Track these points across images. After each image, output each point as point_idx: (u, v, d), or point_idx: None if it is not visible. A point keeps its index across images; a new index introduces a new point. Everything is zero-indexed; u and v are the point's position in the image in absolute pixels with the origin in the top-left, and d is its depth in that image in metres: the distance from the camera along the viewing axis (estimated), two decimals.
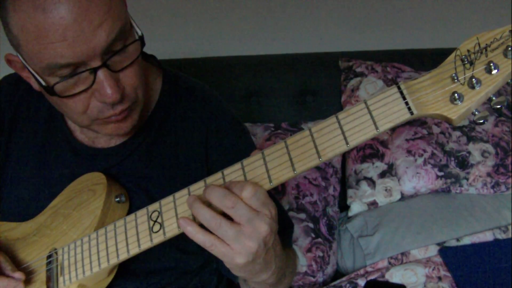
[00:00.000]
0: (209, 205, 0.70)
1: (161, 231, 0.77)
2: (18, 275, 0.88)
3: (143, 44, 0.82)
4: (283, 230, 1.05)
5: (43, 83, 0.79)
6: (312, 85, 1.91)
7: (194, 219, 0.73)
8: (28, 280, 0.91)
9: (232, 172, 0.73)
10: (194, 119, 1.00)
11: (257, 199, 0.69)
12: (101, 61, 0.77)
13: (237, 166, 0.73)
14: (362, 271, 1.55)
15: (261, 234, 0.69)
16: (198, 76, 1.13)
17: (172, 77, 1.04)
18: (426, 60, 1.91)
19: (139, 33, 0.82)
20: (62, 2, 0.71)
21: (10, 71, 1.02)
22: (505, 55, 0.59)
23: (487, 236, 1.55)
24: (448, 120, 0.63)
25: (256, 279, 0.79)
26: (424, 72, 0.65)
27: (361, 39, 2.07)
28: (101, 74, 0.78)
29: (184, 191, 0.76)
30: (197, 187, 0.75)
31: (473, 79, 0.61)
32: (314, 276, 1.58)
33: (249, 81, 1.90)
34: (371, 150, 1.74)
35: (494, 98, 0.61)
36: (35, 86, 0.87)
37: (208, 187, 0.71)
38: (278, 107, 1.91)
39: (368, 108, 0.66)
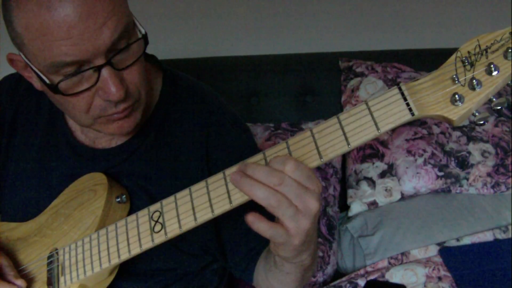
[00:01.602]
0: None
1: (163, 231, 0.77)
2: (20, 282, 0.89)
3: (146, 42, 0.83)
4: None
5: (47, 81, 0.79)
6: (312, 85, 1.92)
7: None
8: (29, 280, 0.92)
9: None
10: (194, 119, 1.00)
11: (301, 173, 0.66)
12: (105, 59, 0.77)
13: (238, 166, 0.73)
14: (362, 271, 1.55)
15: (312, 211, 0.67)
16: (198, 76, 1.13)
17: (172, 77, 1.04)
18: (426, 60, 1.91)
19: (142, 31, 0.82)
20: (67, 0, 0.71)
21: (10, 71, 1.03)
22: (506, 57, 0.60)
23: (487, 236, 1.55)
24: (448, 121, 0.63)
25: (297, 259, 0.77)
26: (424, 72, 0.65)
27: (361, 39, 2.08)
28: (105, 72, 0.78)
29: (185, 192, 0.76)
30: (198, 188, 0.75)
31: (474, 81, 0.61)
32: (314, 276, 1.58)
33: (249, 81, 1.91)
34: (371, 150, 1.74)
35: (494, 99, 0.61)
36: (37, 85, 0.87)
37: (249, 166, 0.67)
38: (278, 107, 1.91)
39: (369, 109, 0.66)
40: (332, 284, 1.54)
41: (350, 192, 1.75)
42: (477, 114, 0.62)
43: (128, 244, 0.81)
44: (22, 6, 0.73)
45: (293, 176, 0.65)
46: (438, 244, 1.55)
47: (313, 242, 0.76)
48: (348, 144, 0.67)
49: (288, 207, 0.65)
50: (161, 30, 1.97)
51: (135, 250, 0.80)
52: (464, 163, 1.68)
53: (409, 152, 1.70)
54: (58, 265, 0.90)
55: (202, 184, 0.75)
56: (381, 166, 1.72)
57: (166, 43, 1.93)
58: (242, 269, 1.00)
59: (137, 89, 0.85)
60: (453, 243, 1.55)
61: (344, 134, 0.67)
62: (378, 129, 0.65)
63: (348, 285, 1.49)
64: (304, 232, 0.67)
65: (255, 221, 0.67)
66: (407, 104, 0.64)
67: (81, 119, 0.86)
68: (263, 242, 0.95)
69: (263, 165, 0.67)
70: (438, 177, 1.67)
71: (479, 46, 0.61)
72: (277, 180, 0.65)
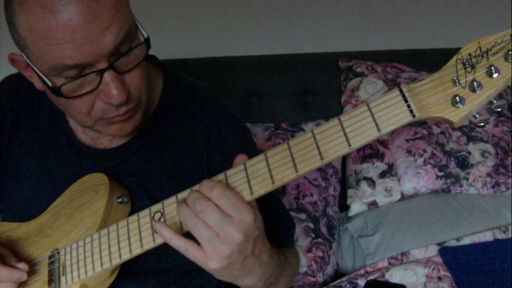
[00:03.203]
0: None
1: None
2: (22, 265, 0.89)
3: (148, 46, 0.83)
4: (283, 230, 1.06)
5: (50, 84, 0.79)
6: (312, 85, 1.92)
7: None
8: (30, 280, 0.92)
9: (235, 173, 0.73)
10: (195, 119, 1.01)
11: (226, 201, 0.69)
12: (108, 62, 0.77)
13: (240, 167, 0.73)
14: (362, 271, 1.55)
15: (234, 241, 0.69)
16: (198, 76, 1.13)
17: (173, 78, 1.04)
18: (426, 60, 1.91)
19: (145, 35, 0.82)
20: (70, 3, 0.71)
21: (11, 72, 1.03)
22: (506, 59, 0.60)
23: (487, 236, 1.55)
24: (449, 123, 0.64)
25: (240, 283, 0.79)
26: (424, 72, 0.66)
27: (361, 39, 2.08)
28: (107, 75, 0.78)
29: (187, 192, 0.76)
30: None
31: (474, 83, 0.61)
32: (314, 276, 1.58)
33: (249, 81, 1.91)
34: (371, 150, 1.74)
35: (495, 101, 0.61)
36: (38, 85, 0.87)
37: (190, 191, 0.72)
38: (278, 107, 1.92)
39: (370, 110, 0.66)
40: (332, 284, 1.54)
41: (350, 192, 1.75)
42: (477, 116, 0.62)
43: (130, 244, 0.81)
44: (26, 8, 0.73)
45: (218, 202, 0.69)
46: (438, 244, 1.56)
47: (255, 269, 0.77)
48: (349, 145, 0.67)
49: (204, 230, 0.69)
50: (161, 30, 1.97)
51: (137, 250, 0.80)
52: (464, 163, 1.68)
53: (409, 152, 1.70)
54: (59, 265, 0.90)
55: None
56: (381, 166, 1.72)
57: (166, 43, 1.93)
58: None
59: (138, 92, 0.85)
60: (453, 243, 1.55)
61: (345, 135, 0.67)
62: (379, 130, 0.66)
63: (348, 285, 1.49)
64: (223, 259, 0.70)
65: (159, 228, 0.72)
66: (408, 106, 0.64)
67: (82, 120, 0.86)
68: None
69: (197, 192, 0.71)
70: (438, 177, 1.67)
71: (480, 48, 0.61)
72: (199, 207, 0.69)
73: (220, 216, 0.69)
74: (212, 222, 0.69)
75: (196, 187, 0.75)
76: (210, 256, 0.70)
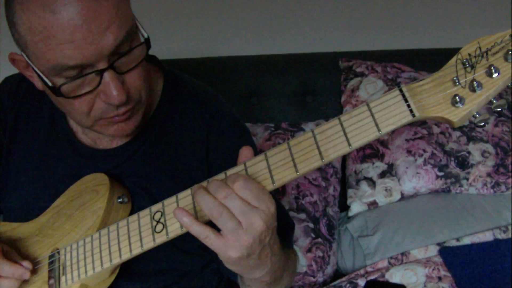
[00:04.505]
0: None
1: (164, 231, 0.77)
2: (26, 263, 0.88)
3: (148, 46, 0.83)
4: (283, 230, 1.06)
5: (50, 84, 0.79)
6: (312, 85, 1.92)
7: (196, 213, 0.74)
8: (30, 280, 0.92)
9: (235, 173, 0.73)
10: (195, 120, 1.01)
11: (249, 192, 0.68)
12: (108, 63, 0.77)
13: (240, 167, 0.73)
14: (362, 271, 1.55)
15: (256, 230, 0.68)
16: (198, 76, 1.13)
17: (173, 78, 1.04)
18: (426, 60, 1.91)
19: (145, 35, 0.82)
20: (71, 3, 0.71)
21: (11, 72, 1.03)
22: (506, 59, 0.60)
23: (487, 236, 1.55)
24: (449, 123, 0.64)
25: (250, 275, 0.78)
26: (424, 72, 0.66)
27: (361, 39, 2.08)
28: (107, 76, 0.78)
29: (187, 192, 0.76)
30: None
31: (474, 82, 0.61)
32: (314, 276, 1.58)
33: (249, 81, 1.91)
34: (371, 150, 1.74)
35: (495, 101, 0.62)
36: (38, 85, 0.87)
37: (210, 180, 0.71)
38: (278, 107, 1.92)
39: (370, 110, 0.66)
40: (332, 284, 1.54)
41: (350, 192, 1.75)
42: (477, 115, 0.63)
43: (130, 244, 0.82)
44: (26, 8, 0.73)
45: (240, 194, 0.68)
46: (438, 244, 1.55)
47: (267, 260, 0.76)
48: (350, 145, 0.67)
49: (229, 220, 0.68)
50: (161, 30, 1.97)
51: (137, 250, 0.81)
52: (464, 163, 1.68)
53: (409, 152, 1.70)
54: (59, 265, 0.90)
55: (203, 184, 0.75)
56: (381, 166, 1.72)
57: (166, 43, 1.94)
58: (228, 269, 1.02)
59: (138, 92, 0.85)
60: (453, 243, 1.55)
61: (345, 135, 0.67)
62: (379, 130, 0.66)
63: (348, 285, 1.49)
64: (244, 248, 0.69)
65: (179, 214, 0.70)
66: (408, 106, 0.65)
67: (82, 120, 0.86)
68: None
69: (218, 180, 0.70)
70: (438, 177, 1.67)
71: (480, 48, 0.62)
72: (223, 194, 0.68)
73: (243, 204, 0.68)
74: (236, 209, 0.67)
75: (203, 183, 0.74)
76: (232, 245, 0.69)
